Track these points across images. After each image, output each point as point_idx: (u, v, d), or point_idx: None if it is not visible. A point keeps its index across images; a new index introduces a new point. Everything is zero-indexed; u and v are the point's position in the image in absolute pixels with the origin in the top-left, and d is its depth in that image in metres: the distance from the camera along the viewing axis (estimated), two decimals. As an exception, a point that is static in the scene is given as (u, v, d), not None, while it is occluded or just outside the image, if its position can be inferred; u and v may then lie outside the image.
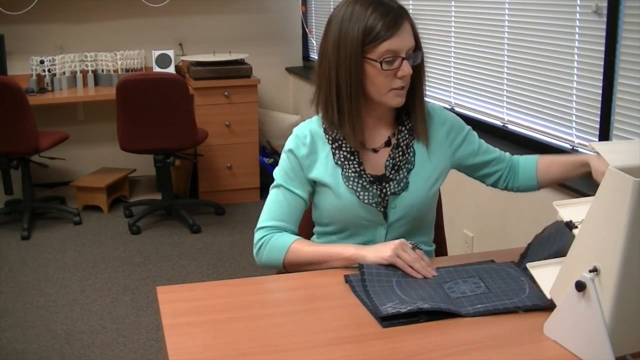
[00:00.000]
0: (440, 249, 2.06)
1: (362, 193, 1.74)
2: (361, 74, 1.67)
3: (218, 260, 3.98)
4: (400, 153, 1.76)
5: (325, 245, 1.74)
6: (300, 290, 1.59)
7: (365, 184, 1.74)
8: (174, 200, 4.59)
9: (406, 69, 1.66)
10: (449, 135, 1.82)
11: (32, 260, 3.99)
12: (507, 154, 1.92)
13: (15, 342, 3.07)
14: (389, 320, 1.37)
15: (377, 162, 1.77)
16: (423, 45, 1.72)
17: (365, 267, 1.57)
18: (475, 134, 1.88)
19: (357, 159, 1.75)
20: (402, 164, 1.76)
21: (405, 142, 1.77)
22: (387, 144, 1.78)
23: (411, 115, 1.78)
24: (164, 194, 4.55)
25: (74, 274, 3.79)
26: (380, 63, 1.65)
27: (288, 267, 1.71)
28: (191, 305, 1.47)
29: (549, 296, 1.37)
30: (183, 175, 4.98)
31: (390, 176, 1.75)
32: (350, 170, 1.74)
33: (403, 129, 1.78)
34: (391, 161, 1.76)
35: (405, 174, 1.76)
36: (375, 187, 1.74)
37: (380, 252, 1.60)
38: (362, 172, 1.75)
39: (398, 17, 1.65)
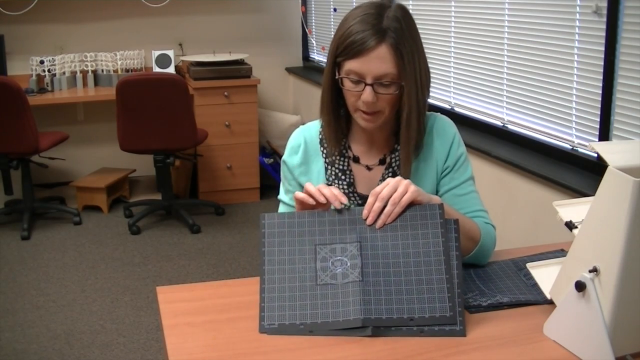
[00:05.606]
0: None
1: None
2: (337, 82, 1.57)
3: (218, 260, 3.98)
4: (391, 174, 1.65)
5: None
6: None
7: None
8: (174, 201, 4.59)
9: (366, 96, 1.51)
10: (446, 161, 1.66)
11: (32, 260, 3.99)
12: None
13: (15, 342, 3.07)
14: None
15: (371, 181, 1.67)
16: (424, 46, 1.66)
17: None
18: (465, 178, 1.66)
19: (348, 179, 1.67)
20: None
21: (397, 163, 1.65)
22: (382, 161, 1.68)
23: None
24: (164, 194, 4.55)
25: (74, 274, 3.79)
26: (342, 80, 1.54)
27: None
28: (191, 305, 1.47)
29: (548, 296, 1.37)
30: (183, 176, 4.98)
31: None
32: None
33: (398, 147, 1.64)
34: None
35: None
36: None
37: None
38: (351, 194, 1.67)
39: (373, 39, 1.49)
